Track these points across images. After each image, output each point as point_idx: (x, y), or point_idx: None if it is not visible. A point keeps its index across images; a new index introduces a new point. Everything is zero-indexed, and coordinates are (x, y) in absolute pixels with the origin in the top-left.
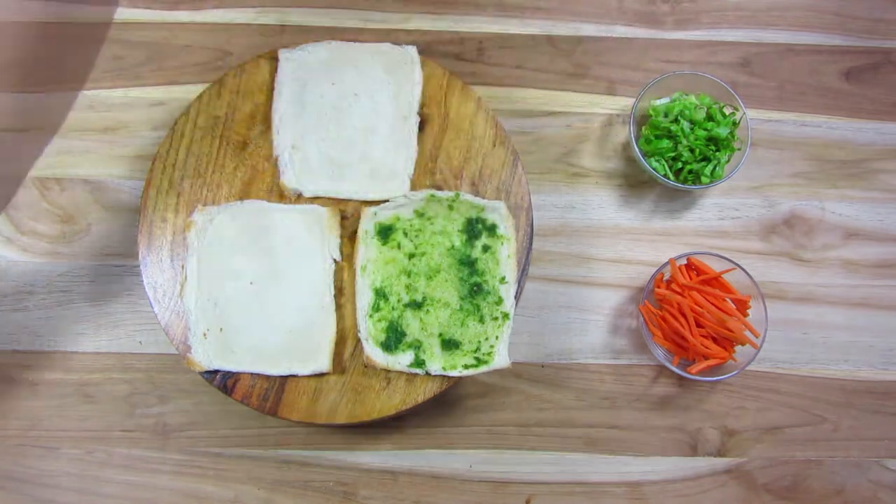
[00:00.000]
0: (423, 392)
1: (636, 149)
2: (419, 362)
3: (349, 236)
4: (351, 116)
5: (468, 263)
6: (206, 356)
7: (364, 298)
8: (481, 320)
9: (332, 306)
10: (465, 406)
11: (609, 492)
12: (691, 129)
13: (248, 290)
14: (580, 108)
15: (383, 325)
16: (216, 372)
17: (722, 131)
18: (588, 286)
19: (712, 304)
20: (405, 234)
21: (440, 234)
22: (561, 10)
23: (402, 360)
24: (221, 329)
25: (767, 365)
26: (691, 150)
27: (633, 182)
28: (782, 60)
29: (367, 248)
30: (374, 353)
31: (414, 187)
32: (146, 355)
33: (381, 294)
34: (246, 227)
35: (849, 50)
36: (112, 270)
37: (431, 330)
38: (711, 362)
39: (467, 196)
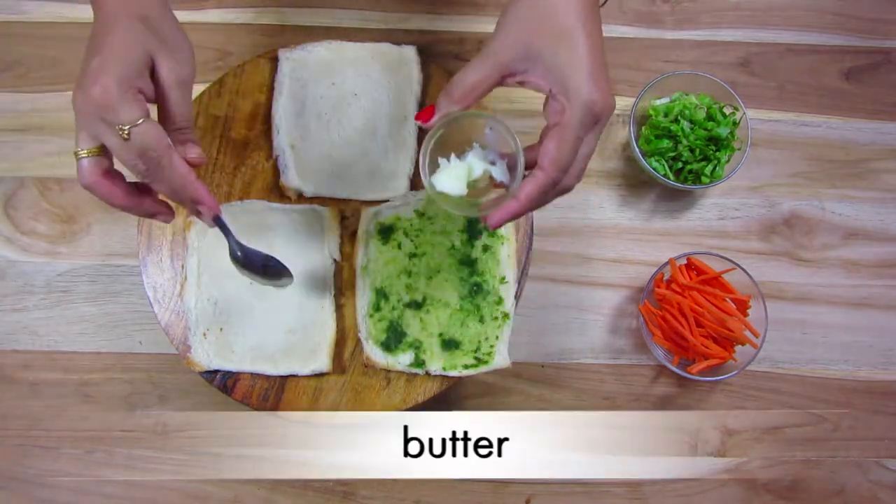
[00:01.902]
0: (423, 392)
1: (636, 149)
2: (419, 362)
3: (349, 236)
4: (351, 116)
5: (468, 263)
6: (206, 356)
7: (364, 298)
8: (481, 320)
9: (332, 306)
10: (465, 406)
11: (609, 492)
12: (691, 128)
13: (248, 290)
14: None
15: (383, 324)
16: (216, 372)
17: (722, 131)
18: (588, 286)
19: (712, 304)
20: (405, 234)
21: (440, 234)
22: None
23: (402, 360)
24: (221, 329)
25: (767, 365)
26: (691, 150)
27: (633, 182)
28: (782, 60)
29: (368, 248)
30: (374, 353)
31: (414, 187)
32: (146, 355)
33: (381, 294)
34: (246, 227)
35: (849, 50)
36: (112, 270)
37: (431, 330)
38: (711, 362)
39: None
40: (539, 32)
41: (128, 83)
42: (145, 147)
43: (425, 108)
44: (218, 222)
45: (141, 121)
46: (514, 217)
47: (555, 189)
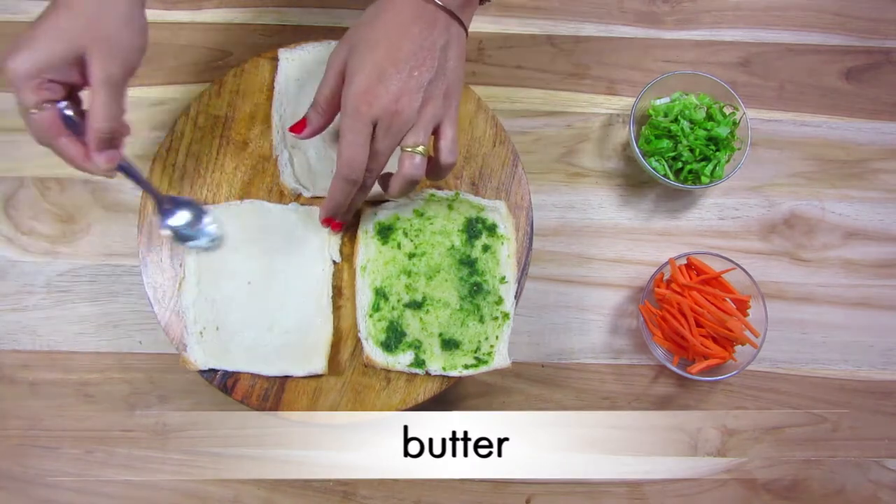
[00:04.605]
0: (423, 392)
1: (636, 149)
2: (419, 362)
3: (349, 236)
4: None
5: (468, 263)
6: (201, 355)
7: (364, 298)
8: (481, 320)
9: (330, 308)
10: (465, 406)
11: (609, 492)
12: (691, 128)
13: (246, 289)
14: (580, 108)
15: (383, 324)
16: (216, 371)
17: (722, 131)
18: (588, 286)
19: (712, 303)
20: (405, 234)
21: (440, 234)
22: (561, 10)
23: (402, 359)
24: (218, 328)
25: (767, 365)
26: (691, 150)
27: (633, 182)
28: (782, 60)
29: (367, 248)
30: (374, 353)
31: None
32: (146, 355)
33: (381, 294)
34: (245, 227)
35: (849, 50)
36: (112, 270)
37: (431, 330)
38: (711, 362)
39: (467, 196)
40: (357, 35)
41: (37, 72)
42: (37, 133)
43: (298, 122)
44: (123, 170)
45: (37, 109)
46: (327, 213)
47: (354, 186)
